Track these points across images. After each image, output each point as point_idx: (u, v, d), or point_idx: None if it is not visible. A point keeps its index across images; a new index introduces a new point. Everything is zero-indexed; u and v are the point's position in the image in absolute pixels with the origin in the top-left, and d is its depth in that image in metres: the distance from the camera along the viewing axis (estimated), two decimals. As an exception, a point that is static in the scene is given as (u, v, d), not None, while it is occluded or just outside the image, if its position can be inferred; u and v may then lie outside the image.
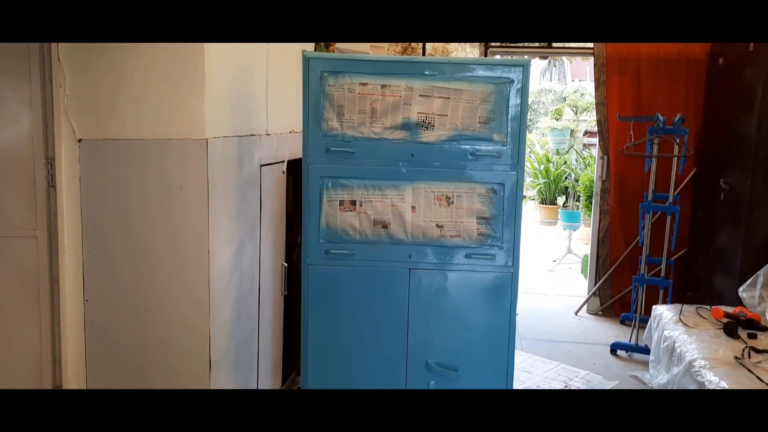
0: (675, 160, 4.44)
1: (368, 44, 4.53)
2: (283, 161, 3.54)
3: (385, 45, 5.10)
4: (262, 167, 3.23)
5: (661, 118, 4.29)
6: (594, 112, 6.41)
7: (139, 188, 2.65)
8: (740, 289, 4.11)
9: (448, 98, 2.67)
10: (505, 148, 2.69)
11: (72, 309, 2.71)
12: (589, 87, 12.09)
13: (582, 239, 7.84)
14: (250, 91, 3.10)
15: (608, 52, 5.22)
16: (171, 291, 2.71)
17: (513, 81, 2.64)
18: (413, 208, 2.74)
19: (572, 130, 9.20)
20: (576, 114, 9.58)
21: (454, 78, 2.66)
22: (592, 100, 10.81)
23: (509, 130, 2.68)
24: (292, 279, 3.65)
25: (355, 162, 2.72)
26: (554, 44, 5.35)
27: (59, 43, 2.56)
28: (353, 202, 2.75)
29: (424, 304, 2.78)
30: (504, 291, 2.77)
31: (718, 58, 4.95)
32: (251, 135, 3.08)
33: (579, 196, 8.04)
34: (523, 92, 2.65)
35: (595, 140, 5.96)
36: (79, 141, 2.63)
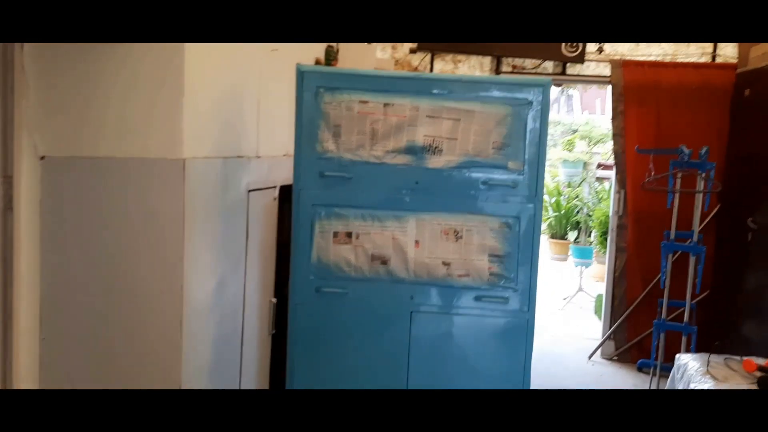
0: (700, 196, 4.11)
1: (374, 61, 4.27)
2: (275, 186, 3.23)
3: (392, 63, 4.85)
4: (251, 192, 2.92)
5: (686, 150, 3.98)
6: (608, 144, 6.11)
7: (106, 213, 2.34)
8: (773, 338, 3.75)
9: (459, 120, 2.37)
10: (521, 177, 2.38)
11: (26, 349, 2.37)
12: (598, 119, 11.85)
13: (594, 276, 7.48)
14: (239, 107, 2.81)
15: (626, 80, 4.94)
16: (139, 331, 2.38)
17: (531, 103, 2.35)
18: (417, 242, 2.42)
19: (585, 163, 8.91)
20: (589, 146, 9.31)
21: (466, 98, 2.36)
22: (604, 131, 10.63)
23: (526, 157, 2.37)
24: (281, 316, 3.31)
25: (353, 189, 2.41)
26: (569, 72, 5.08)
27: (23, 51, 2.28)
28: (349, 234, 2.43)
29: (426, 352, 2.44)
30: (518, 340, 2.43)
31: (743, 89, 4.66)
32: (238, 157, 2.78)
33: (591, 232, 7.71)
34: (543, 115, 2.35)
35: (609, 173, 5.66)
36: (42, 158, 2.33)
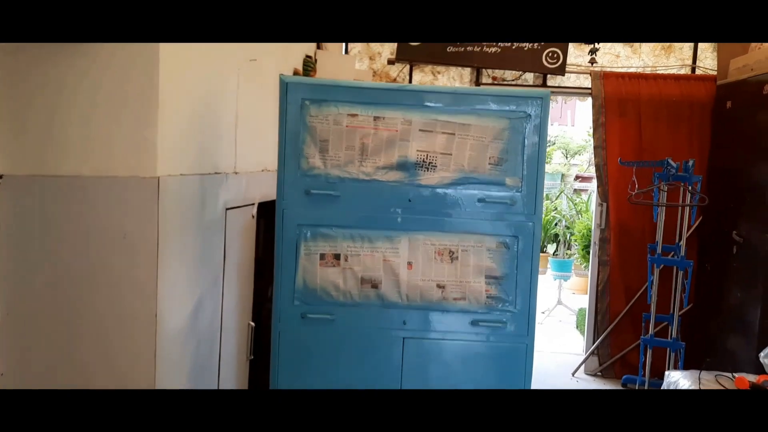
0: (686, 209, 4.06)
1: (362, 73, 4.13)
2: (254, 204, 3.06)
3: (370, 74, 4.72)
4: (228, 211, 2.74)
5: (672, 164, 3.92)
6: (585, 156, 6.06)
7: (72, 236, 2.14)
8: (762, 354, 3.68)
9: (454, 134, 2.24)
10: (519, 194, 2.26)
11: (-19, 385, 2.15)
12: (570, 130, 11.88)
13: (572, 289, 7.43)
14: (216, 120, 2.64)
15: (607, 92, 4.89)
16: (110, 362, 2.17)
17: (530, 115, 2.23)
18: (410, 264, 2.27)
19: (563, 175, 8.88)
20: (567, 158, 9.29)
21: (461, 111, 2.23)
22: (581, 143, 10.63)
23: (524, 173, 2.25)
24: (260, 340, 3.12)
25: (341, 207, 2.26)
26: (549, 83, 5.01)
27: (-20, 57, 2.08)
28: (337, 256, 2.27)
29: (420, 380, 2.29)
30: (517, 365, 2.30)
31: (725, 101, 4.64)
32: (215, 173, 2.60)
33: (570, 244, 7.66)
34: (542, 129, 2.24)
35: (587, 185, 5.59)
36: (0, 177, 2.12)
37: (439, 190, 2.25)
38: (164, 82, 2.11)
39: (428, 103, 2.23)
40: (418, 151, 2.24)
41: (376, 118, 2.23)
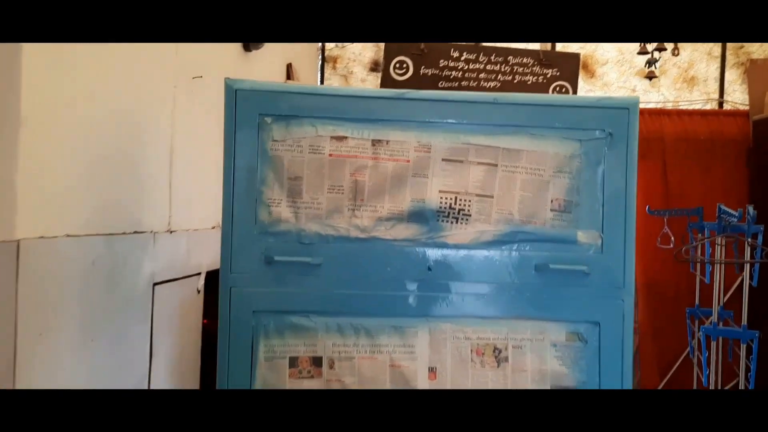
0: (747, 266, 3.30)
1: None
2: (200, 273, 2.21)
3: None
4: (157, 286, 1.89)
5: (731, 211, 3.19)
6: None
7: None
8: None
9: (496, 166, 1.45)
10: (599, 255, 1.46)
11: None
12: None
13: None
14: (138, 159, 1.82)
15: (626, 130, 4.20)
16: None
17: (611, 136, 1.45)
18: (432, 370, 1.44)
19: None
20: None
21: (506, 130, 1.45)
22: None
23: (604, 222, 1.46)
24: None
25: (322, 283, 1.43)
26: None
27: None
28: (316, 361, 1.43)
29: None
30: None
31: (762, 138, 3.98)
32: (135, 233, 1.76)
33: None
34: (629, 154, 1.46)
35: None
36: None
37: (474, 253, 1.44)
38: (32, 103, 1.30)
39: (455, 119, 1.45)
40: (441, 192, 1.45)
41: (376, 143, 1.44)
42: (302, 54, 3.66)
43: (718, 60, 4.29)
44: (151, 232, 1.86)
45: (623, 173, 1.46)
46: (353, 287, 1.44)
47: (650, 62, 4.11)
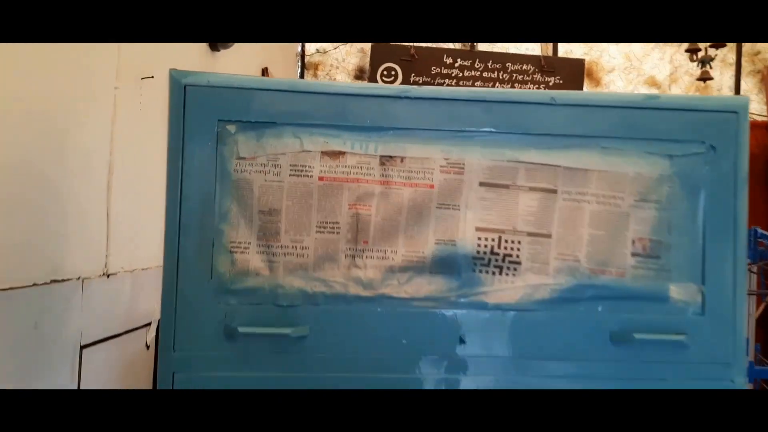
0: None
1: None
2: (150, 323, 1.75)
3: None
4: (87, 349, 1.42)
5: (771, 234, 2.81)
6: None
7: None
8: None
9: (555, 192, 1.03)
10: (700, 318, 1.04)
11: None
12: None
13: None
14: (62, 176, 1.36)
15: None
16: None
17: (714, 149, 1.04)
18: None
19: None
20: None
21: (568, 143, 1.03)
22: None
23: (705, 270, 1.04)
24: None
25: (308, 363, 0.99)
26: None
27: None
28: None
29: None
30: None
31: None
32: (54, 282, 1.30)
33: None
34: (738, 173, 1.05)
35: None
36: None
37: (526, 317, 1.01)
38: None
39: (496, 127, 1.02)
40: (479, 230, 1.02)
41: (386, 161, 1.01)
42: (279, 58, 3.23)
43: (733, 67, 3.96)
44: (79, 278, 1.40)
45: (731, 202, 1.04)
46: (352, 369, 0.99)
47: (703, 61, 3.55)
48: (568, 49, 3.91)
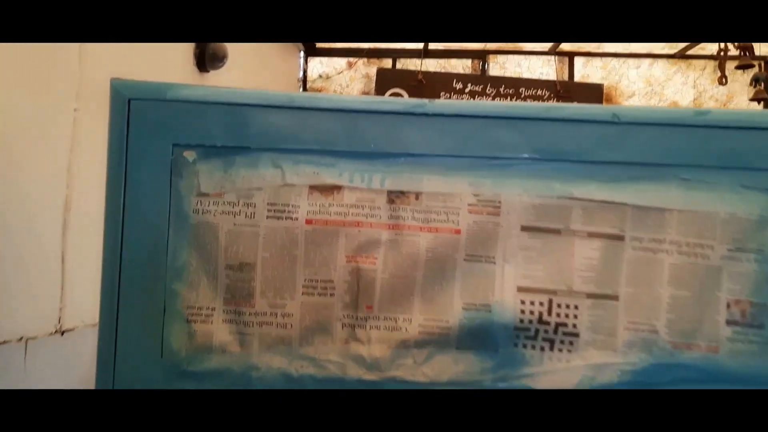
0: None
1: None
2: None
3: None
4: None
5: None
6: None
7: None
8: None
9: (622, 239, 0.76)
10: (818, 409, 0.76)
11: None
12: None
13: None
14: (4, 220, 1.12)
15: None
16: None
17: (830, 182, 0.78)
18: None
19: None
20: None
21: (638, 173, 0.77)
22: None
23: (822, 345, 0.77)
24: None
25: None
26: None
27: None
28: None
29: None
30: None
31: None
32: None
33: None
34: None
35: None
36: None
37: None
38: None
39: (540, 153, 0.77)
40: (521, 290, 0.76)
41: (395, 198, 0.75)
42: (280, 83, 3.01)
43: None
44: (21, 339, 1.15)
45: None
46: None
47: (757, 79, 2.98)
48: (585, 74, 3.69)
